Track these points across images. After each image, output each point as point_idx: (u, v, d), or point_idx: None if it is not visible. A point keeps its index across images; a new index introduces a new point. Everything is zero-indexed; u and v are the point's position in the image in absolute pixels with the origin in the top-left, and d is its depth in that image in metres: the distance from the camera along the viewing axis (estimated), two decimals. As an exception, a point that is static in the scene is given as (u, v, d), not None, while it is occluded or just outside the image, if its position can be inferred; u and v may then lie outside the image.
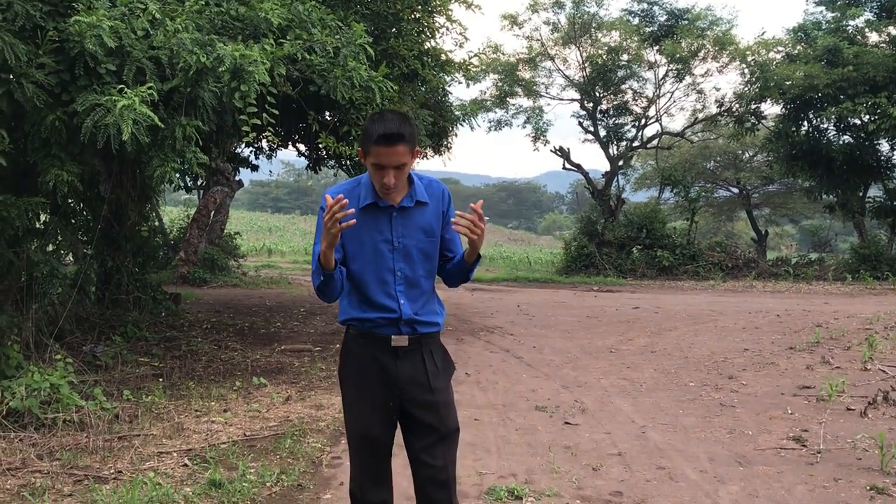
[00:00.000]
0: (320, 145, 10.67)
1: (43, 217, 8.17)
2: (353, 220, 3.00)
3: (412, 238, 3.32)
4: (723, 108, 29.79)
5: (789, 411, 7.51)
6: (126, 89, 6.22)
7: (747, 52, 27.91)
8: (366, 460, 3.40)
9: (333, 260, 3.13)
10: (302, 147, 13.92)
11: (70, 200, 9.02)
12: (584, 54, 30.11)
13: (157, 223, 20.52)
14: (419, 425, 3.36)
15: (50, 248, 8.88)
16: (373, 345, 3.33)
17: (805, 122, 27.53)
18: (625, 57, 29.94)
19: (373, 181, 3.25)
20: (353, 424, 3.40)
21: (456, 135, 14.70)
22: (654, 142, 32.79)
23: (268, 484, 5.21)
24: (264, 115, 7.49)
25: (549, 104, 46.07)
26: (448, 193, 3.44)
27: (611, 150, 31.45)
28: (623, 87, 31.07)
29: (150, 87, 6.31)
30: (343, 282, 3.27)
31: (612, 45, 29.76)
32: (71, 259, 11.01)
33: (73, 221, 9.95)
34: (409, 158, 3.21)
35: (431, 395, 3.34)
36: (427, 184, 3.40)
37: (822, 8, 28.13)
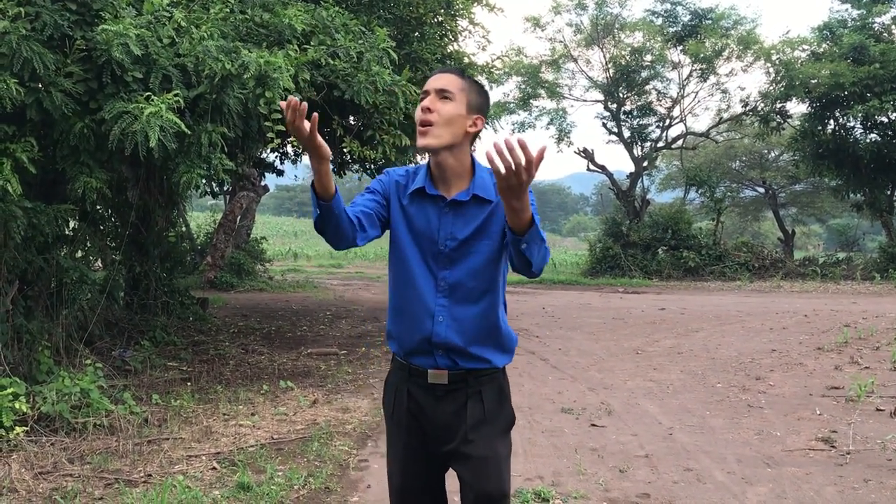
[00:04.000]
0: (344, 149, 10.69)
1: (72, 224, 8.24)
2: (315, 115, 2.32)
3: (463, 241, 2.65)
4: (748, 108, 29.62)
5: (818, 412, 7.44)
6: (153, 97, 6.27)
7: (772, 51, 27.72)
8: None
9: (332, 182, 2.42)
10: (326, 151, 13.95)
11: (98, 207, 9.10)
12: (608, 55, 30.07)
13: (184, 229, 20.67)
14: (460, 481, 2.75)
15: (79, 254, 8.96)
16: (408, 378, 2.75)
17: (831, 121, 27.29)
18: (648, 57, 29.88)
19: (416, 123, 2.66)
20: (389, 470, 2.88)
21: (480, 138, 14.67)
22: (679, 142, 32.66)
23: (295, 487, 5.23)
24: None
25: (572, 106, 45.86)
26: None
27: (635, 151, 31.35)
28: (647, 87, 31.00)
29: (176, 95, 6.36)
30: (351, 222, 2.55)
31: (636, 45, 29.72)
32: (100, 265, 11.10)
33: (101, 228, 10.04)
34: (457, 95, 2.62)
35: (466, 447, 2.67)
36: None
37: (848, 5, 27.86)
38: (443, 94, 2.61)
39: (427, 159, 2.75)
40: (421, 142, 2.60)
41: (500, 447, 2.72)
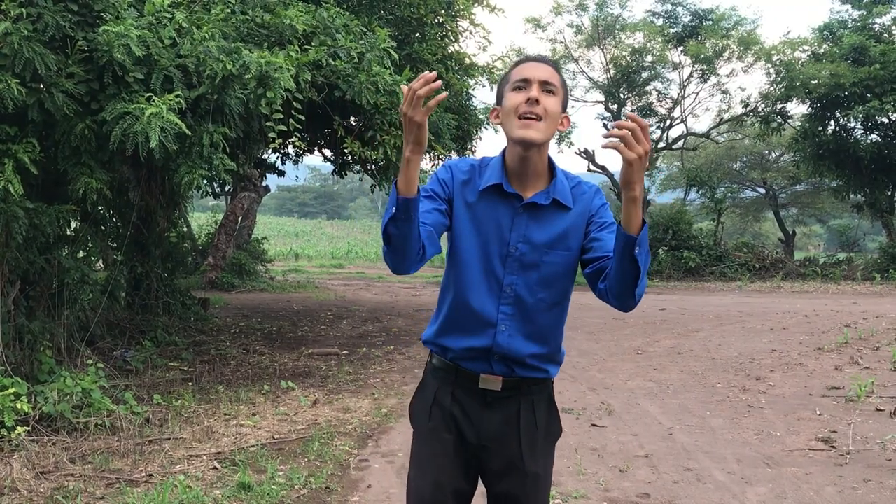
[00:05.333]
0: (346, 150, 10.70)
1: (73, 224, 8.25)
2: (444, 94, 2.16)
3: (536, 247, 2.44)
4: (748, 109, 29.65)
5: (818, 412, 7.44)
6: (154, 97, 6.28)
7: (773, 52, 27.74)
8: None
9: (416, 180, 2.18)
10: (328, 152, 13.97)
11: (100, 207, 9.10)
12: (608, 56, 30.09)
13: (185, 229, 20.66)
14: (500, 499, 2.55)
15: (80, 254, 8.96)
16: (455, 381, 2.51)
17: (832, 122, 27.30)
18: (649, 58, 29.90)
19: (508, 113, 2.41)
20: (415, 482, 2.57)
21: (480, 138, 14.67)
22: (680, 143, 32.71)
23: (296, 486, 5.24)
24: (290, 121, 7.53)
25: (573, 106, 45.78)
26: (602, 198, 2.55)
27: (636, 152, 31.32)
28: (647, 88, 31.05)
29: (177, 95, 6.36)
30: (428, 247, 2.32)
31: (636, 46, 29.75)
32: (101, 265, 11.11)
33: (102, 228, 10.05)
34: (559, 90, 2.43)
35: (520, 462, 2.49)
36: (575, 184, 2.53)
37: (848, 6, 27.91)
38: (547, 87, 2.39)
39: (497, 153, 2.55)
40: (525, 134, 2.36)
41: (549, 464, 2.61)
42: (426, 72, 2.03)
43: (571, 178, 2.53)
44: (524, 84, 2.39)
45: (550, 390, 2.62)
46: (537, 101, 2.35)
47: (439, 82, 2.07)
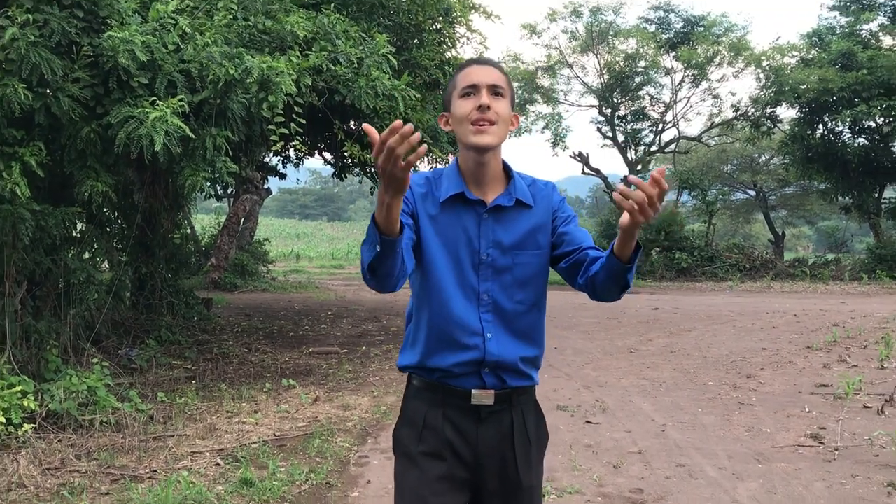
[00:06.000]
0: (345, 153, 10.71)
1: (79, 226, 8.25)
2: (424, 148, 1.86)
3: (507, 250, 2.34)
4: (739, 113, 29.69)
5: (807, 409, 7.45)
6: (158, 101, 6.27)
7: (762, 58, 27.81)
8: None
9: (398, 220, 2.00)
10: (328, 155, 13.97)
11: (105, 210, 9.09)
12: (602, 61, 30.10)
13: (188, 230, 20.67)
14: None
15: (86, 255, 8.96)
16: (445, 401, 2.35)
17: (820, 125, 27.37)
18: (642, 63, 29.91)
19: (460, 120, 2.32)
20: None
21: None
22: (672, 146, 32.73)
23: (297, 482, 5.23)
24: (291, 124, 7.53)
25: (567, 110, 46.02)
26: (559, 193, 2.49)
27: (629, 155, 31.39)
28: (640, 93, 31.05)
29: (181, 99, 6.35)
30: (407, 262, 2.15)
31: (630, 52, 29.75)
32: (106, 266, 11.10)
33: (108, 230, 10.04)
34: (507, 92, 2.35)
35: (515, 477, 2.37)
36: (530, 183, 2.44)
37: (836, 13, 28.01)
38: (495, 91, 2.31)
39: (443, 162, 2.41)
40: (480, 140, 2.27)
41: (540, 474, 2.50)
42: (397, 121, 1.81)
43: (526, 178, 2.45)
44: (472, 90, 2.31)
45: (535, 397, 2.50)
46: (489, 107, 2.28)
47: (417, 135, 1.83)
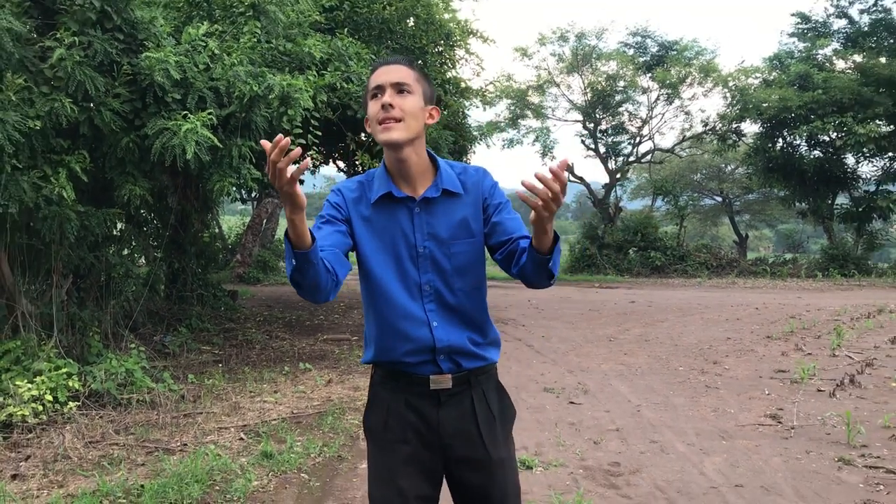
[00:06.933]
0: (357, 162, 10.71)
1: (119, 225, 8.23)
2: (306, 161, 1.81)
3: (442, 241, 2.21)
4: (707, 128, 29.62)
5: (766, 392, 7.44)
6: (189, 115, 6.27)
7: (729, 79, 27.77)
8: None
9: (307, 230, 1.92)
10: (341, 164, 13.97)
11: (142, 211, 9.09)
12: (586, 81, 30.01)
13: (217, 230, 20.62)
14: (469, 492, 2.27)
15: (125, 252, 8.95)
16: (405, 388, 2.23)
17: (780, 139, 27.35)
18: (621, 83, 29.83)
19: (371, 120, 2.21)
20: (378, 492, 2.25)
21: (474, 152, 14.70)
22: (648, 157, 32.65)
23: (312, 455, 5.23)
24: (308, 136, 7.53)
25: (555, 125, 45.98)
26: (490, 179, 2.30)
27: (609, 165, 31.32)
28: (620, 109, 30.96)
29: (210, 113, 6.35)
30: (328, 270, 2.04)
31: (610, 73, 29.67)
32: (143, 261, 11.09)
33: (144, 229, 10.03)
34: (414, 88, 2.19)
35: (484, 452, 2.23)
36: (461, 171, 2.29)
37: (795, 39, 28.05)
38: (399, 89, 2.17)
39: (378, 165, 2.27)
40: (387, 137, 2.14)
41: (511, 446, 2.33)
42: (279, 135, 1.74)
43: (457, 167, 2.29)
44: (378, 91, 2.18)
45: (496, 375, 2.34)
46: (392, 106, 2.14)
47: (298, 150, 1.74)
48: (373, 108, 2.18)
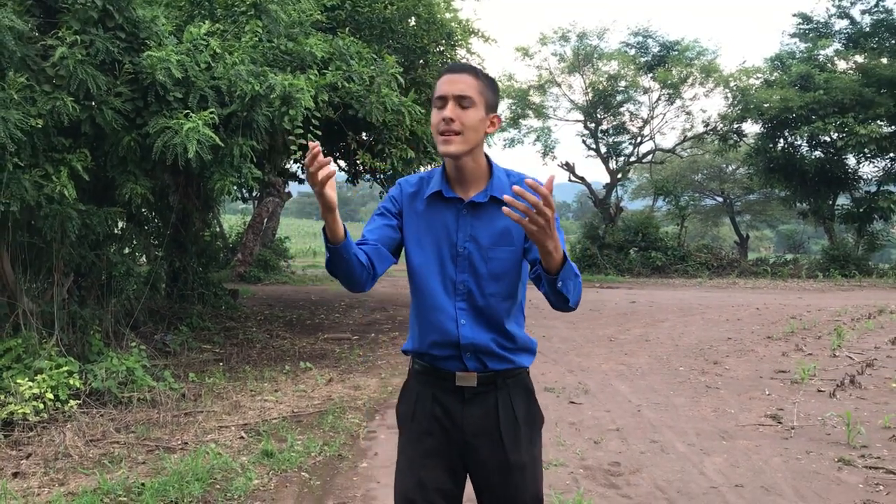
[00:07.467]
0: (358, 161, 10.71)
1: (120, 224, 8.23)
2: (333, 171, 1.96)
3: (482, 244, 2.25)
4: (708, 128, 29.62)
5: (767, 392, 7.44)
6: (191, 114, 6.28)
7: (730, 79, 27.77)
8: None
9: (340, 228, 2.07)
10: (342, 163, 13.94)
11: (143, 210, 9.09)
12: (587, 81, 30.01)
13: (217, 229, 20.63)
14: (488, 492, 2.31)
15: (126, 250, 8.94)
16: (434, 383, 2.31)
17: (781, 140, 27.35)
18: (622, 83, 29.84)
19: (434, 128, 2.25)
20: (400, 481, 2.32)
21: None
22: (649, 157, 32.65)
23: (312, 454, 5.23)
24: (309, 135, 7.53)
25: (556, 125, 46.00)
26: None
27: (610, 165, 31.32)
28: (621, 109, 30.97)
29: (211, 112, 6.36)
30: (363, 264, 2.19)
31: (612, 73, 29.67)
32: (144, 260, 11.09)
33: (145, 228, 10.03)
34: (477, 99, 2.21)
35: (503, 454, 2.27)
36: (518, 180, 2.27)
37: (796, 39, 28.05)
38: (462, 103, 2.19)
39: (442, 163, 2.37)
40: (446, 149, 2.20)
41: (535, 451, 2.38)
42: (312, 142, 1.92)
43: (513, 175, 2.31)
44: (441, 101, 2.22)
45: (526, 381, 2.38)
46: (452, 120, 2.18)
47: (329, 159, 1.94)
48: (435, 118, 2.23)
